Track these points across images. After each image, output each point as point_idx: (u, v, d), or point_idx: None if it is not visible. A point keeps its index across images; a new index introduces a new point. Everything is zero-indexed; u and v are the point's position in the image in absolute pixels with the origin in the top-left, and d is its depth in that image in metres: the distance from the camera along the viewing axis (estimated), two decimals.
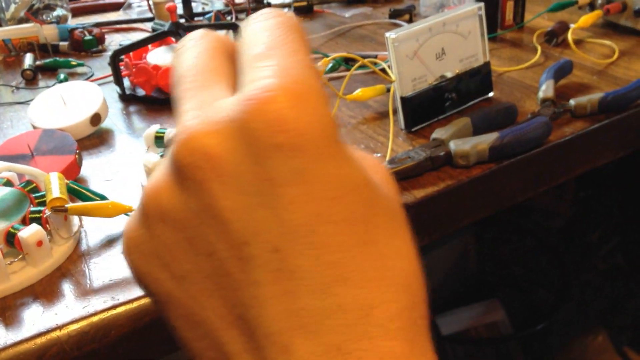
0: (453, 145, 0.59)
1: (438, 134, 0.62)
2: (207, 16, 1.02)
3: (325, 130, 0.19)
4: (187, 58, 0.23)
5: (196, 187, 0.19)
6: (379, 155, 0.63)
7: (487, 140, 0.59)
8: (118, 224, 0.55)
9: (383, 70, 0.73)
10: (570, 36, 0.82)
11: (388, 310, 0.19)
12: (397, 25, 1.00)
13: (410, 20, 1.00)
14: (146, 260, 0.21)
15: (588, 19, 0.84)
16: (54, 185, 0.51)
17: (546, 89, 0.69)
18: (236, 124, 0.19)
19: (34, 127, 0.69)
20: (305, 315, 0.19)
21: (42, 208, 0.51)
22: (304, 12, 1.08)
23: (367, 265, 0.19)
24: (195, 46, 0.24)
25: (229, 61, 0.24)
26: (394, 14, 1.02)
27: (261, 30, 0.22)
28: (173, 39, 0.84)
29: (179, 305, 0.21)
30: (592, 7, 0.88)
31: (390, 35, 0.63)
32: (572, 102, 0.67)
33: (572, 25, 0.85)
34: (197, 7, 1.10)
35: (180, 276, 0.21)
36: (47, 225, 0.50)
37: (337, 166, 0.19)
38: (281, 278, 0.19)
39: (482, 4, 0.68)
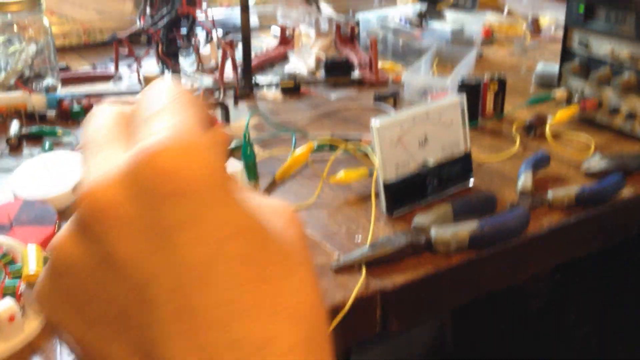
0: (434, 232, 0.60)
1: (419, 219, 0.63)
2: (195, 94, 1.04)
3: (212, 178, 0.21)
4: (91, 127, 0.25)
5: (95, 237, 0.21)
6: (359, 237, 0.64)
7: (467, 228, 0.60)
8: None
9: (367, 154, 0.75)
10: (548, 129, 0.85)
11: (283, 342, 0.20)
12: (381, 110, 1.02)
13: (394, 104, 1.03)
14: (57, 309, 0.22)
15: (565, 113, 0.87)
16: (31, 259, 0.50)
17: (525, 180, 0.70)
18: (129, 176, 0.21)
19: (16, 196, 0.69)
20: (208, 351, 0.20)
21: (17, 281, 0.50)
22: (291, 92, 1.11)
23: (261, 301, 0.21)
24: (100, 116, 0.26)
25: (129, 127, 0.26)
26: (379, 98, 1.04)
27: (154, 95, 0.25)
28: None
29: (91, 347, 0.22)
30: (568, 102, 0.92)
31: (375, 124, 0.64)
32: (550, 194, 0.68)
33: (550, 118, 0.88)
34: (186, 83, 1.12)
35: (90, 321, 0.22)
36: (21, 299, 0.49)
37: (226, 210, 0.21)
38: (182, 316, 0.20)
39: (464, 96, 0.70)
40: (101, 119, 0.26)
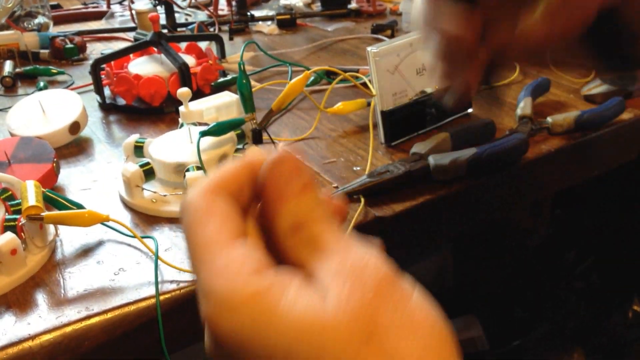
0: (432, 160, 0.60)
1: (417, 148, 0.63)
2: (189, 27, 1.02)
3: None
4: (196, 218, 0.27)
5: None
6: (358, 168, 0.63)
7: (465, 155, 0.60)
8: (94, 233, 0.54)
9: (364, 84, 0.74)
10: (548, 55, 0.84)
11: None
12: (379, 40, 1.00)
13: (392, 36, 1.01)
14: None
15: None
16: (30, 194, 0.50)
17: (524, 107, 0.70)
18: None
19: (12, 135, 0.69)
20: None
21: (17, 216, 0.50)
22: (287, 25, 1.09)
23: None
24: (203, 207, 0.28)
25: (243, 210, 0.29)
26: (376, 29, 1.02)
27: (280, 178, 0.28)
28: (155, 49, 0.84)
29: None
30: None
31: (372, 49, 0.63)
32: (549, 119, 0.68)
33: None
34: (180, 18, 1.10)
35: None
36: (22, 234, 0.50)
37: None
38: None
39: None
40: (205, 210, 0.27)
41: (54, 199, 0.53)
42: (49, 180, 0.61)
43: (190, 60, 0.81)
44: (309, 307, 0.23)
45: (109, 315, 0.46)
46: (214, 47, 0.89)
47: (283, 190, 0.27)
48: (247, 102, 0.62)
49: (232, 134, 0.61)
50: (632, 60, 0.44)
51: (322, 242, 0.26)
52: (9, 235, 0.48)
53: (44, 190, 0.53)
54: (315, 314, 0.23)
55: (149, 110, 0.78)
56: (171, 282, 0.48)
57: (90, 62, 0.80)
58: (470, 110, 0.73)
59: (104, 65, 0.82)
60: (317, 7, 1.17)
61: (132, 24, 1.07)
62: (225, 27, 1.05)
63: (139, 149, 0.61)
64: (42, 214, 0.49)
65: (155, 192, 0.57)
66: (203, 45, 0.89)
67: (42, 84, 0.85)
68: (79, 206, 0.54)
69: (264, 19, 1.10)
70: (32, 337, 0.43)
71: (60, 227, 0.54)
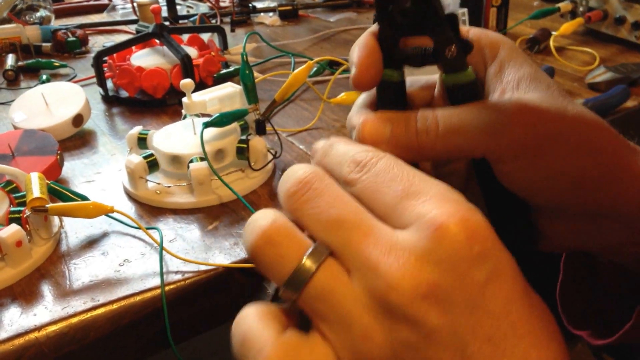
0: None
1: None
2: (191, 19, 1.02)
3: (493, 237, 0.24)
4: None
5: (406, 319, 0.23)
6: None
7: None
8: (99, 225, 0.54)
9: None
10: (552, 43, 0.83)
11: None
12: None
13: None
14: None
15: (569, 26, 0.85)
16: (34, 186, 0.50)
17: None
18: (437, 254, 0.22)
19: (15, 128, 0.69)
20: None
21: (22, 208, 0.50)
22: (289, 16, 1.09)
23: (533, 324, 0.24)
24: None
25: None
26: None
27: (387, 177, 0.25)
28: (157, 41, 0.83)
29: None
30: (573, 14, 0.89)
31: None
32: None
33: (553, 33, 0.86)
34: (181, 10, 1.10)
35: None
36: (27, 226, 0.50)
37: (503, 260, 0.24)
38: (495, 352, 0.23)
39: (465, 10, 0.68)
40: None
41: (58, 191, 0.53)
42: (53, 173, 0.61)
43: (192, 52, 0.81)
44: None
45: (115, 306, 0.46)
46: (216, 38, 0.89)
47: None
48: (250, 93, 0.62)
49: (235, 125, 0.61)
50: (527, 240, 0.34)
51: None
52: (14, 227, 0.48)
53: (48, 182, 0.53)
54: None
55: (152, 102, 0.77)
56: (176, 272, 0.48)
57: (93, 54, 0.80)
58: None
59: (106, 58, 0.81)
60: None
61: (133, 17, 1.07)
62: (227, 19, 1.05)
63: (142, 141, 0.61)
64: (47, 205, 0.49)
65: (159, 184, 0.57)
66: (205, 37, 0.89)
67: (44, 77, 0.85)
68: (84, 198, 0.54)
69: (266, 10, 1.10)
70: (39, 328, 0.44)
71: (64, 218, 0.54)
